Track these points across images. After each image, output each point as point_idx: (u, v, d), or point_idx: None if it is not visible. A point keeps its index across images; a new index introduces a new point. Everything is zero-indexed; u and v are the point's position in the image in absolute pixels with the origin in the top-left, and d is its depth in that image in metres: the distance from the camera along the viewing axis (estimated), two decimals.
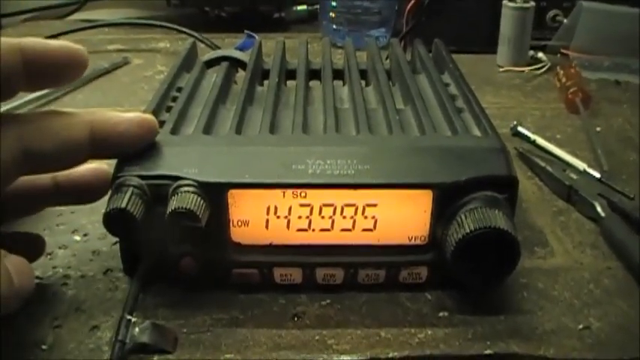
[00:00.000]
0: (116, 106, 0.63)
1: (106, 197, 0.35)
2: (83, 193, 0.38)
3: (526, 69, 0.75)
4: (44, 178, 0.37)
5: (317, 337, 0.34)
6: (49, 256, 0.41)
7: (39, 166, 0.33)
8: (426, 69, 0.50)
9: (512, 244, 0.34)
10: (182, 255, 0.37)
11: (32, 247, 0.38)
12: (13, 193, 0.34)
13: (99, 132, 0.34)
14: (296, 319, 0.36)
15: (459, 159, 0.37)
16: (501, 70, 0.75)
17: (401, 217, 0.36)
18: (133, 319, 0.33)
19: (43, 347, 0.34)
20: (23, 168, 0.32)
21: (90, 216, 0.45)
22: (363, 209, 0.36)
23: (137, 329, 0.33)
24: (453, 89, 0.48)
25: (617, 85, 0.72)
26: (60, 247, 0.42)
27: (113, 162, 0.35)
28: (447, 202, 0.35)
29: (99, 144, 0.34)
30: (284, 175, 0.35)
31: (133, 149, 0.35)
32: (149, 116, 0.36)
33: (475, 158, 0.37)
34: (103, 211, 0.34)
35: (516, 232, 0.34)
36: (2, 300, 0.29)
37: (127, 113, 0.35)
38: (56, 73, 0.33)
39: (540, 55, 0.77)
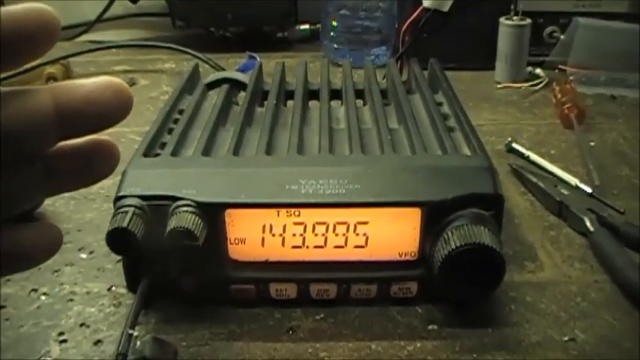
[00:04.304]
0: (122, 127, 0.65)
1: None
2: (80, 168, 0.31)
3: (523, 85, 0.76)
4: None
5: (310, 350, 0.36)
6: (56, 274, 0.43)
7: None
8: (420, 89, 0.52)
9: (497, 259, 0.35)
10: (182, 272, 0.38)
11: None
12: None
13: (61, 97, 0.28)
14: (291, 332, 0.37)
15: (448, 178, 0.38)
16: (499, 86, 0.77)
17: (391, 233, 0.38)
18: (135, 334, 0.35)
19: None
20: None
21: (96, 234, 0.47)
22: (355, 227, 0.37)
23: (139, 343, 0.35)
24: (445, 108, 0.49)
25: (613, 100, 0.73)
26: (67, 265, 0.44)
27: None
28: (435, 219, 0.37)
29: (65, 112, 0.28)
30: (278, 195, 0.37)
31: (104, 114, 0.28)
32: (116, 79, 0.29)
33: (463, 177, 0.38)
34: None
35: (501, 248, 0.36)
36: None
37: (91, 78, 0.29)
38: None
39: (538, 71, 0.78)
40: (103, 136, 0.29)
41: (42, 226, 0.31)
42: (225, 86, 0.53)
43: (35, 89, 0.28)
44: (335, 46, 0.84)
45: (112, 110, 0.29)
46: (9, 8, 0.27)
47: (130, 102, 0.29)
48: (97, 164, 0.30)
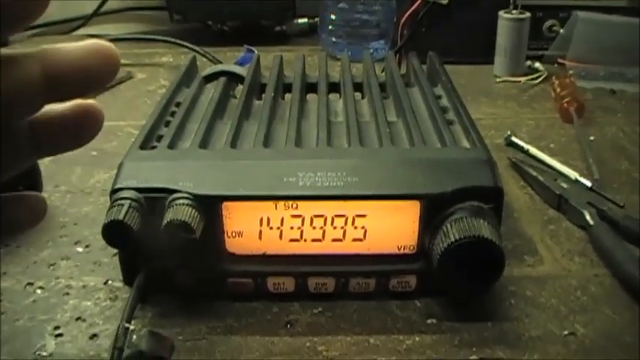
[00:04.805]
0: (119, 120, 0.65)
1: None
2: (67, 133, 0.31)
3: (522, 79, 0.76)
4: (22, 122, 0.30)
5: (308, 344, 0.36)
6: (52, 267, 0.42)
7: None
8: (419, 82, 0.52)
9: (497, 253, 0.35)
10: (178, 265, 0.38)
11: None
12: None
13: (49, 63, 0.28)
14: (288, 326, 0.37)
15: (447, 170, 0.38)
16: (498, 80, 0.77)
17: (390, 227, 0.37)
18: (131, 327, 0.35)
19: (45, 354, 0.35)
20: None
21: (92, 228, 0.46)
22: (353, 220, 0.37)
23: (135, 337, 0.34)
24: (444, 101, 0.49)
25: (613, 94, 0.73)
26: (63, 259, 0.43)
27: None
28: (434, 212, 0.37)
29: (52, 78, 0.28)
30: (276, 187, 0.37)
31: (91, 79, 0.29)
32: (107, 43, 0.29)
33: (462, 169, 0.38)
34: None
35: (501, 241, 0.35)
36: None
37: (79, 42, 0.29)
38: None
39: (537, 65, 0.78)
40: (88, 100, 0.30)
41: (26, 196, 0.32)
42: (222, 79, 0.52)
43: (23, 56, 0.28)
44: (333, 39, 0.84)
45: (100, 76, 0.29)
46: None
47: (118, 66, 0.29)
48: (82, 128, 0.31)
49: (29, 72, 0.28)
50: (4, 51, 0.28)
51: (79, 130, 0.30)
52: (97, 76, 0.29)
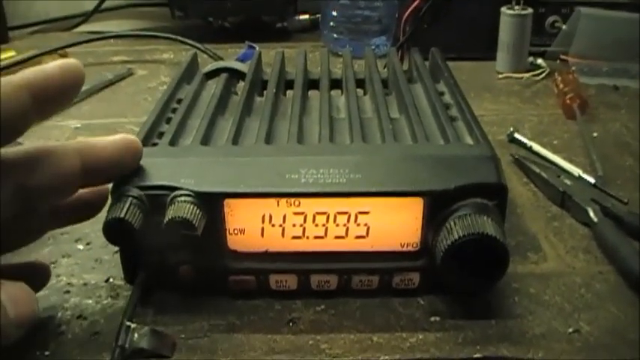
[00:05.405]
0: (120, 117, 0.65)
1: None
2: (81, 211, 0.38)
3: (525, 75, 0.76)
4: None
5: (311, 342, 0.35)
6: (52, 265, 0.42)
7: (33, 201, 0.33)
8: (422, 78, 0.51)
9: (501, 250, 0.35)
10: (180, 263, 0.38)
11: (37, 276, 0.38)
12: (10, 223, 0.33)
13: (88, 159, 0.33)
14: (291, 324, 0.37)
15: (450, 167, 0.37)
16: (500, 76, 0.76)
17: (393, 224, 0.37)
18: (133, 325, 0.34)
19: (46, 353, 0.35)
20: (17, 206, 0.32)
21: (93, 225, 0.46)
22: (356, 217, 0.37)
23: (136, 335, 0.34)
24: (447, 98, 0.49)
25: (616, 90, 0.72)
26: (63, 256, 0.43)
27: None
28: (437, 209, 0.36)
29: (89, 172, 0.34)
30: (278, 184, 0.36)
31: (121, 171, 0.36)
32: (133, 138, 0.36)
33: (465, 166, 0.38)
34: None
35: (505, 238, 0.35)
36: None
37: (111, 137, 0.35)
38: (62, 95, 0.33)
39: (540, 61, 0.78)
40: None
41: (31, 264, 0.38)
42: (224, 75, 0.52)
43: (64, 149, 0.33)
44: (335, 35, 0.84)
45: (127, 167, 0.36)
46: (46, 67, 0.32)
47: (141, 156, 0.36)
48: (93, 208, 0.38)
49: (72, 165, 0.33)
50: (49, 143, 0.34)
51: (90, 210, 0.38)
52: (124, 168, 0.36)
